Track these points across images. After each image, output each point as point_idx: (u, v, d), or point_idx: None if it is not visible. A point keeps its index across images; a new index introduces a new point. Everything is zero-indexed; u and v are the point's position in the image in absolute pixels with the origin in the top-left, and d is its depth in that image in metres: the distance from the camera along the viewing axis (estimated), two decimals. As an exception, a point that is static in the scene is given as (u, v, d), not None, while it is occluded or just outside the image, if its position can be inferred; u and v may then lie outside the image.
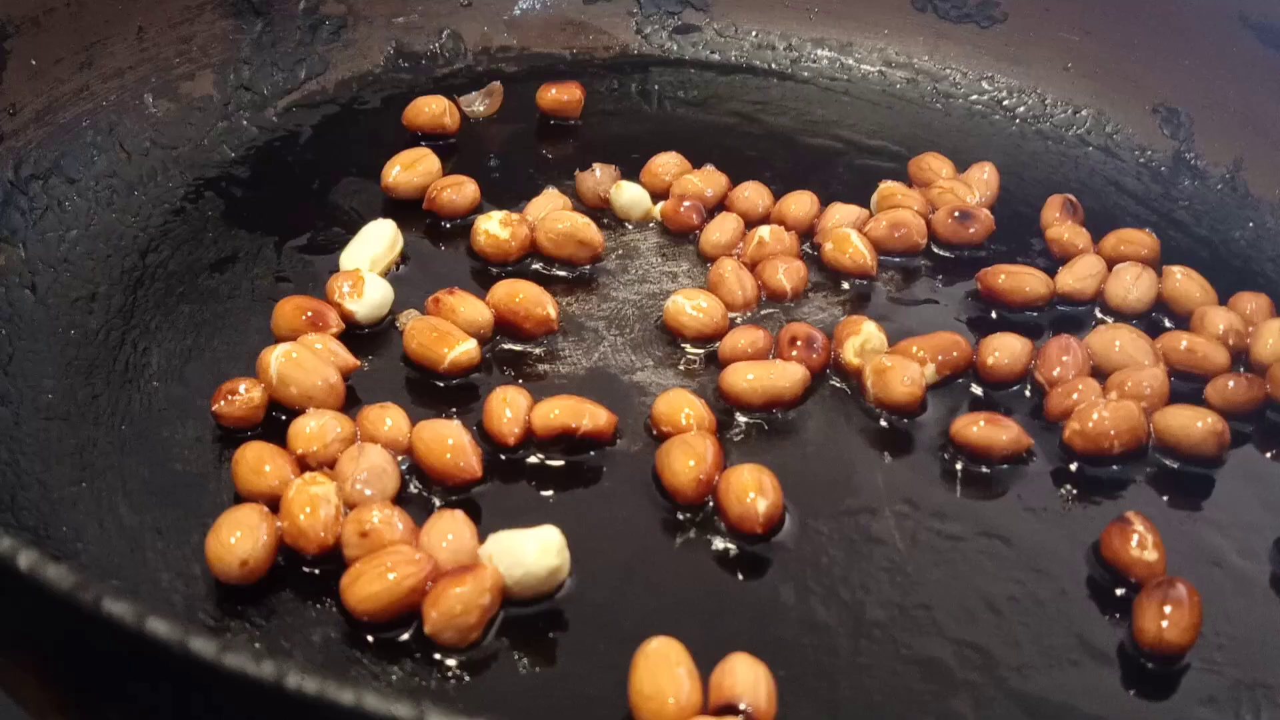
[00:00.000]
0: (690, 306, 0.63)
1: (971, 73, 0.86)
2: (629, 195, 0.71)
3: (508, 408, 0.55)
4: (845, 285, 0.68)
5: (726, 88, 0.86)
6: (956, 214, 0.71)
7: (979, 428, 0.57)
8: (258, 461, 0.51)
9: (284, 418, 0.55)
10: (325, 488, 0.50)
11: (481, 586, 0.46)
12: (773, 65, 0.88)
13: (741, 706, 0.43)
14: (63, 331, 0.59)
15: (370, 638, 0.47)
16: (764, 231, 0.69)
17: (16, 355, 0.57)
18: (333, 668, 0.46)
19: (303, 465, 0.52)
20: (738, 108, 0.84)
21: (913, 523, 0.55)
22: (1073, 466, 0.58)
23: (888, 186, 0.73)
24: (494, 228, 0.66)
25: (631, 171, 0.74)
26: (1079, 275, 0.67)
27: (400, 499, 0.52)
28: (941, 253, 0.71)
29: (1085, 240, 0.70)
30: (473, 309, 0.61)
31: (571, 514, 0.53)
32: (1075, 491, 0.57)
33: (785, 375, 0.59)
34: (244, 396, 0.55)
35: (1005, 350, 0.62)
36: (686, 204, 0.71)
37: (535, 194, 0.71)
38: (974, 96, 0.86)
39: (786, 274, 0.66)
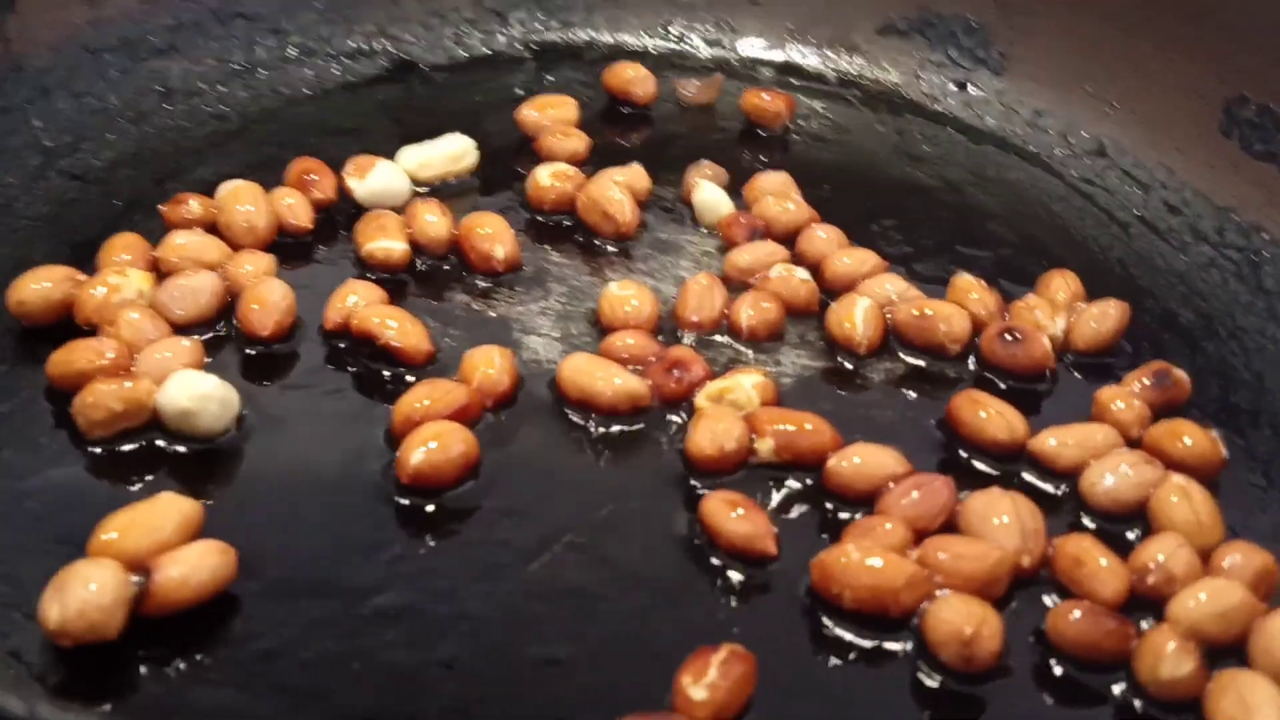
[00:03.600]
0: (620, 297, 0.60)
1: (1244, 221, 0.69)
2: (706, 196, 0.68)
3: (345, 299, 0.58)
4: (826, 356, 0.60)
5: (963, 153, 0.77)
6: (1005, 333, 0.59)
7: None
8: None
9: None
10: (125, 282, 0.56)
11: (120, 392, 0.50)
12: (1031, 147, 0.77)
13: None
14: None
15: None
16: (780, 268, 0.62)
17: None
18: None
19: (157, 268, 0.59)
20: (954, 175, 0.75)
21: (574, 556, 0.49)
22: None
23: (965, 279, 0.62)
24: (543, 177, 0.67)
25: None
26: (1063, 439, 0.53)
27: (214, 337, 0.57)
28: (984, 372, 0.59)
29: (1137, 418, 0.55)
30: (430, 222, 0.63)
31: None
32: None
33: (610, 382, 0.54)
34: (190, 206, 0.62)
35: (864, 460, 0.51)
36: (743, 220, 0.66)
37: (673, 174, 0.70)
38: (1228, 250, 0.69)
39: (753, 312, 0.60)
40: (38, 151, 0.66)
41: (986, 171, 0.76)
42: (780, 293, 0.61)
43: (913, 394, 0.58)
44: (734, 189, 0.70)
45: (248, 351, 0.56)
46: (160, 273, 0.58)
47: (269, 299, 0.56)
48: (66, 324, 0.55)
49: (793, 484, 0.52)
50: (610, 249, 0.66)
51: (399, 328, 0.56)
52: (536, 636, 0.45)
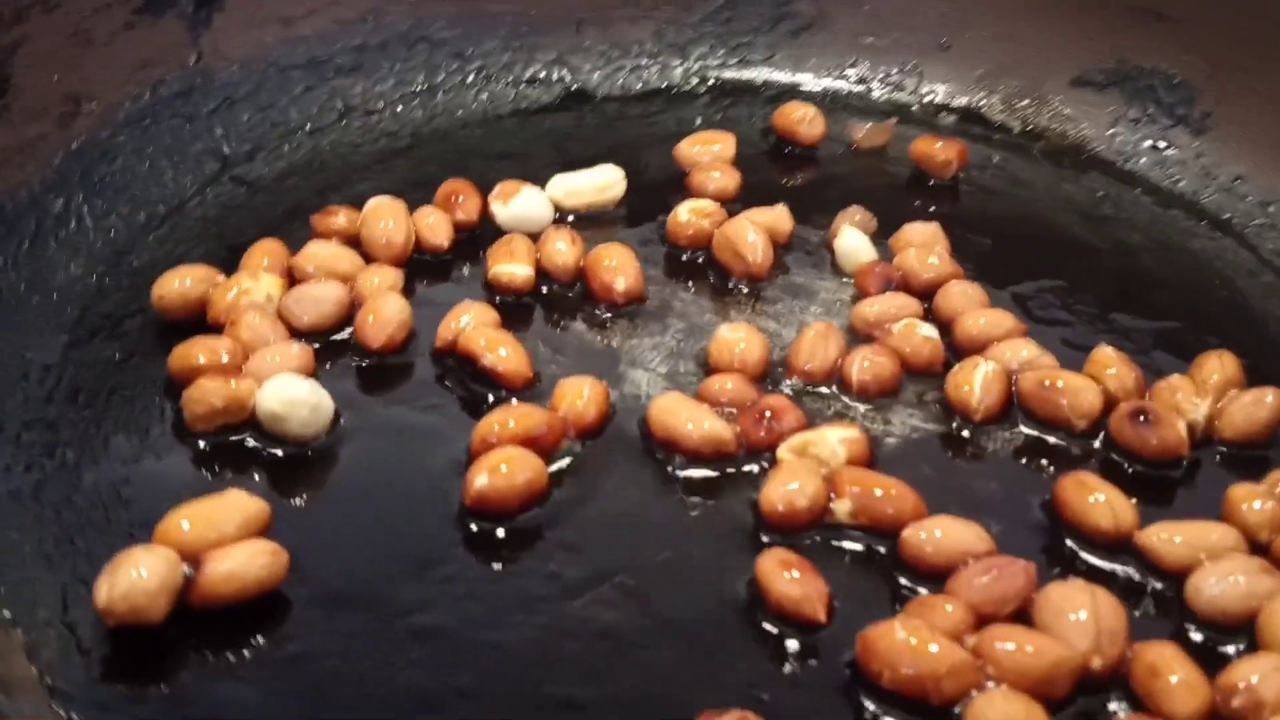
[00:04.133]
0: (730, 340, 0.58)
1: None
2: (847, 243, 0.66)
3: (458, 318, 0.59)
4: (942, 420, 0.57)
5: (1147, 217, 0.72)
6: (1137, 413, 0.54)
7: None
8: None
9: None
10: (256, 286, 0.59)
11: (223, 389, 0.52)
12: (1224, 214, 0.71)
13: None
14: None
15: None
16: (904, 323, 0.60)
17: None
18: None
19: (291, 274, 0.61)
20: (1132, 239, 0.70)
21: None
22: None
23: (1105, 353, 0.58)
24: (682, 212, 0.67)
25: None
26: (1171, 535, 0.48)
27: (327, 345, 0.59)
28: (1110, 454, 0.55)
29: (1269, 521, 0.49)
30: (558, 250, 0.63)
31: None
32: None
33: (697, 424, 0.53)
34: (337, 219, 0.65)
35: (944, 534, 0.48)
36: (878, 270, 0.64)
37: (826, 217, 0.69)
38: None
39: (866, 366, 0.57)
40: (216, 158, 0.70)
41: (1170, 238, 0.70)
42: (900, 348, 0.59)
43: (1026, 469, 0.55)
44: (880, 235, 0.68)
45: (361, 362, 0.59)
46: (294, 279, 0.61)
47: (384, 313, 0.58)
48: (201, 321, 0.59)
49: (865, 550, 0.50)
50: (741, 289, 0.65)
51: (500, 351, 0.57)
52: (560, 675, 0.45)
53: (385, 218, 0.64)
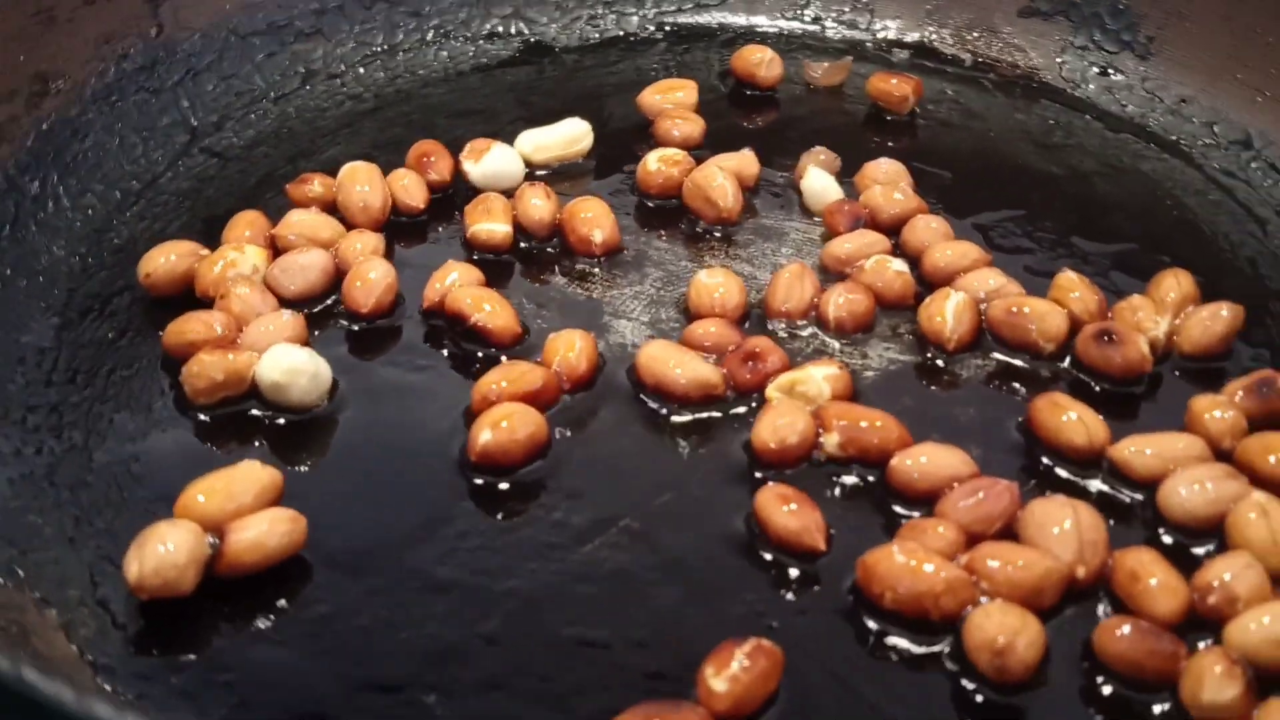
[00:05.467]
0: (708, 285, 0.60)
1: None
2: (813, 183, 0.68)
3: (443, 279, 0.60)
4: (916, 351, 0.59)
5: (1098, 142, 0.74)
6: (1101, 334, 0.57)
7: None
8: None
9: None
10: (241, 258, 0.60)
11: (222, 363, 0.54)
12: (1171, 135, 0.74)
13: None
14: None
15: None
16: (875, 259, 0.62)
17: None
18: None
19: (274, 244, 0.62)
20: (1085, 164, 0.72)
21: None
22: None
23: (1067, 277, 0.60)
24: (651, 162, 0.68)
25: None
26: (1141, 447, 0.51)
27: (315, 312, 0.60)
28: (1078, 374, 0.58)
29: (1230, 429, 0.52)
30: (534, 205, 0.65)
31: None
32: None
33: (685, 369, 0.55)
34: (313, 186, 0.66)
35: (929, 460, 0.51)
36: (846, 208, 0.66)
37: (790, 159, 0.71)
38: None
39: (841, 303, 0.60)
40: (185, 130, 0.70)
41: (1120, 161, 0.73)
42: (873, 284, 0.61)
43: (1000, 394, 0.57)
44: (845, 174, 0.70)
45: (351, 327, 0.60)
46: (277, 249, 0.62)
47: (370, 277, 0.59)
48: (189, 296, 0.60)
49: (856, 481, 0.52)
50: (713, 234, 0.66)
51: (489, 309, 0.58)
52: (577, 617, 0.47)
53: (361, 182, 0.65)
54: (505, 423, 0.52)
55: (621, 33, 0.83)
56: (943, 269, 0.62)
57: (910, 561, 0.46)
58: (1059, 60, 0.79)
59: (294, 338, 0.56)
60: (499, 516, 0.51)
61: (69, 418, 0.54)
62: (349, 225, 0.64)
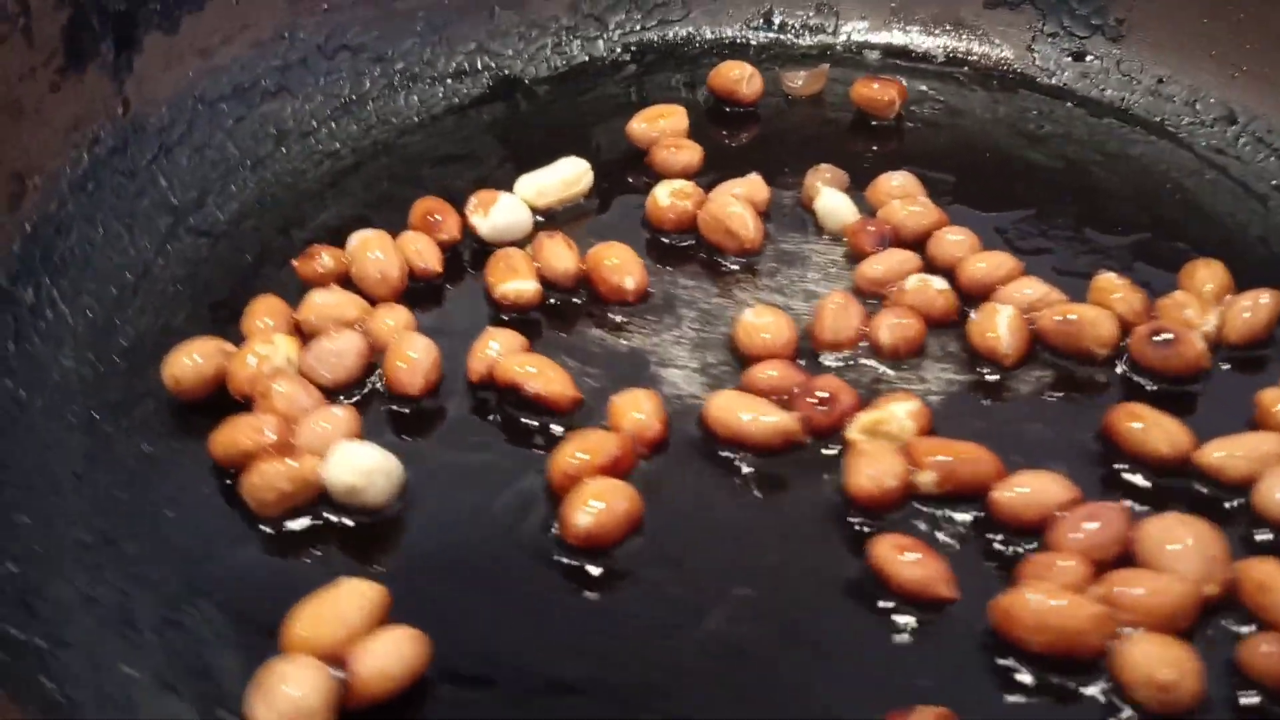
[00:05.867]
0: (756, 325, 0.59)
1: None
2: (828, 203, 0.67)
3: (485, 347, 0.58)
4: (971, 368, 0.59)
5: (1083, 129, 0.75)
6: (1156, 335, 0.57)
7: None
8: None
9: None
10: (272, 350, 0.56)
11: (287, 472, 0.51)
12: (1154, 117, 0.75)
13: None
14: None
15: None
16: (915, 279, 0.61)
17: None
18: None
19: (299, 329, 0.59)
20: (1077, 153, 0.73)
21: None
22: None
23: (1107, 279, 0.61)
24: (662, 195, 0.67)
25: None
26: (1230, 451, 0.52)
27: (362, 397, 0.57)
28: (1133, 375, 0.58)
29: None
30: (557, 254, 0.63)
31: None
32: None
33: (760, 419, 0.54)
34: (322, 260, 0.62)
35: (1032, 489, 0.51)
36: (871, 227, 0.65)
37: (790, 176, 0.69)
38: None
39: (894, 330, 0.59)
40: (166, 211, 0.66)
41: (1109, 147, 0.74)
42: (917, 305, 0.60)
43: (1063, 403, 0.57)
44: (854, 189, 0.69)
45: (395, 409, 0.57)
46: (303, 334, 0.59)
47: (413, 356, 0.57)
48: (219, 394, 0.56)
49: (954, 515, 0.52)
50: (735, 266, 0.65)
51: (542, 376, 0.56)
52: (717, 704, 0.46)
53: (374, 251, 0.62)
54: (600, 501, 0.50)
55: (588, 58, 0.81)
56: (980, 282, 0.62)
57: (1049, 601, 0.45)
58: (1031, 49, 0.80)
59: (351, 433, 0.53)
60: (606, 599, 0.49)
61: (129, 550, 0.51)
62: (368, 297, 0.61)
